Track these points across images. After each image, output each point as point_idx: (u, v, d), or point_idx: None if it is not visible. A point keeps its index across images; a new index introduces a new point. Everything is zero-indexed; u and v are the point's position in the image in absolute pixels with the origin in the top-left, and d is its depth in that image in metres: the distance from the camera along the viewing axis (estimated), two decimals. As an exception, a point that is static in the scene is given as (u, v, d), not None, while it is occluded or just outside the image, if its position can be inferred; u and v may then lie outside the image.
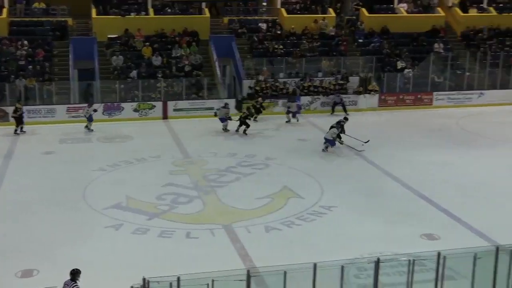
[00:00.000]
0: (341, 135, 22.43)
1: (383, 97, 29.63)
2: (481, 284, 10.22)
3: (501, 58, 31.34)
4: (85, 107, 25.40)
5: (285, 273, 9.41)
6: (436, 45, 32.10)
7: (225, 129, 24.67)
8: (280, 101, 27.72)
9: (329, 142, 22.08)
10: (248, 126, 24.56)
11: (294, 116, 26.77)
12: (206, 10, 31.90)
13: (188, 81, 28.37)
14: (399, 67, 30.77)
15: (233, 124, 24.85)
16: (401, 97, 29.88)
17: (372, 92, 29.45)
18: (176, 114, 27.23)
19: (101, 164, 20.41)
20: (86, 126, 24.89)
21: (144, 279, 9.11)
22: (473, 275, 10.02)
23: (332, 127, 22.35)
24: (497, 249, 10.24)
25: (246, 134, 24.41)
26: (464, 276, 10.51)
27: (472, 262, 10.02)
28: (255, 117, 25.99)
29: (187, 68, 28.94)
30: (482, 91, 30.79)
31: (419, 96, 30.11)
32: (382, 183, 19.04)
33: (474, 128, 26.01)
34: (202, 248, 14.29)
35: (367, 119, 27.58)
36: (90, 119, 24.91)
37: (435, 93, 30.30)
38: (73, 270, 10.53)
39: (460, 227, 15.64)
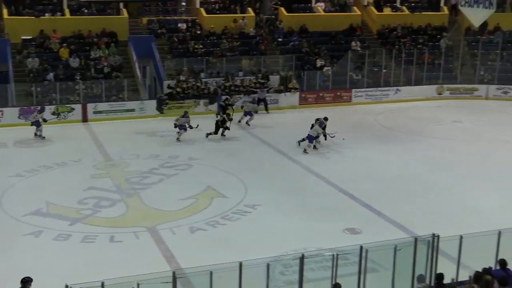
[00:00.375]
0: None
1: (303, 95, 30.05)
2: (401, 274, 10.54)
3: (415, 55, 32.38)
4: (34, 111, 24.39)
5: (211, 273, 9.41)
6: (353, 43, 32.86)
7: (179, 138, 23.52)
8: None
9: (309, 138, 22.18)
10: (225, 129, 23.99)
11: (246, 115, 26.48)
12: (124, 11, 31.39)
13: (108, 82, 27.85)
14: (318, 65, 31.31)
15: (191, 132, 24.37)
16: (321, 94, 30.40)
17: (293, 90, 29.82)
18: (96, 116, 26.69)
19: (18, 170, 19.74)
20: (38, 134, 23.62)
21: (67, 286, 8.90)
22: (394, 266, 10.31)
23: (313, 125, 22.61)
24: (416, 240, 10.58)
25: (224, 135, 23.99)
26: (385, 268, 10.81)
27: (393, 253, 10.32)
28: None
29: (106, 70, 28.41)
30: (398, 88, 31.76)
31: (338, 94, 30.72)
32: (304, 180, 19.34)
33: (392, 124, 26.80)
34: (126, 251, 14.10)
35: (288, 117, 27.91)
36: (37, 125, 23.70)
37: (353, 90, 31.00)
38: (24, 278, 10.27)
39: (381, 220, 16.11)
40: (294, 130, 24.95)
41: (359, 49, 32.70)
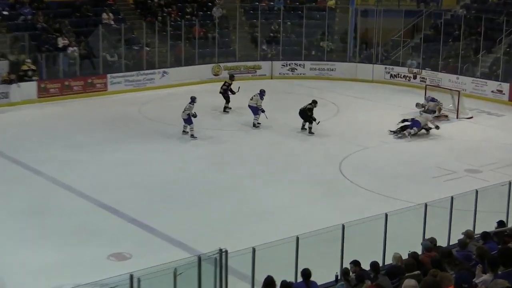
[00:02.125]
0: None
1: (43, 85, 29.16)
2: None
3: (183, 28, 33.05)
4: None
5: None
6: (104, 16, 32.64)
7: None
8: None
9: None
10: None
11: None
12: None
13: None
14: (60, 45, 30.60)
15: None
16: (66, 83, 29.80)
17: (29, 72, 28.66)
18: None
19: None
20: None
21: None
22: (176, 292, 10.43)
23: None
24: (199, 258, 10.77)
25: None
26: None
27: (173, 279, 10.40)
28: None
29: None
30: (166, 70, 32.23)
31: (89, 81, 30.38)
32: (51, 196, 18.83)
33: (161, 115, 27.05)
34: None
35: (25, 115, 26.95)
36: None
37: (109, 75, 30.87)
38: None
39: (155, 238, 16.23)
40: (34, 132, 24.22)
41: (112, 22, 32.58)
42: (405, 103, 28.48)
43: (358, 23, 35.76)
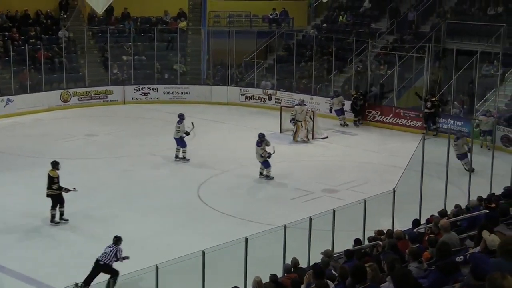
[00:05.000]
0: None
1: None
2: None
3: (27, 52, 32.29)
4: None
5: None
6: None
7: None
8: None
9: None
10: None
11: None
12: None
13: None
14: None
15: None
16: None
17: None
18: None
19: None
20: None
21: None
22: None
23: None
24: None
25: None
26: None
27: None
28: None
29: None
30: (10, 97, 31.42)
31: None
32: None
33: (7, 146, 26.38)
34: None
35: None
36: None
37: None
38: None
39: (6, 277, 15.88)
40: None
41: (-52, 48, 31.56)
42: (260, 125, 29.08)
43: (211, 45, 36.19)
